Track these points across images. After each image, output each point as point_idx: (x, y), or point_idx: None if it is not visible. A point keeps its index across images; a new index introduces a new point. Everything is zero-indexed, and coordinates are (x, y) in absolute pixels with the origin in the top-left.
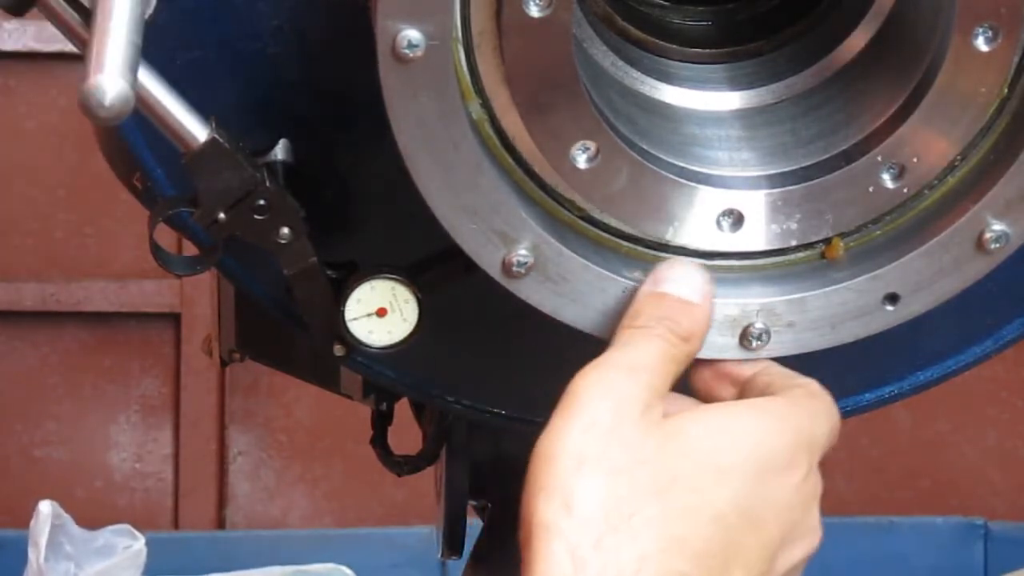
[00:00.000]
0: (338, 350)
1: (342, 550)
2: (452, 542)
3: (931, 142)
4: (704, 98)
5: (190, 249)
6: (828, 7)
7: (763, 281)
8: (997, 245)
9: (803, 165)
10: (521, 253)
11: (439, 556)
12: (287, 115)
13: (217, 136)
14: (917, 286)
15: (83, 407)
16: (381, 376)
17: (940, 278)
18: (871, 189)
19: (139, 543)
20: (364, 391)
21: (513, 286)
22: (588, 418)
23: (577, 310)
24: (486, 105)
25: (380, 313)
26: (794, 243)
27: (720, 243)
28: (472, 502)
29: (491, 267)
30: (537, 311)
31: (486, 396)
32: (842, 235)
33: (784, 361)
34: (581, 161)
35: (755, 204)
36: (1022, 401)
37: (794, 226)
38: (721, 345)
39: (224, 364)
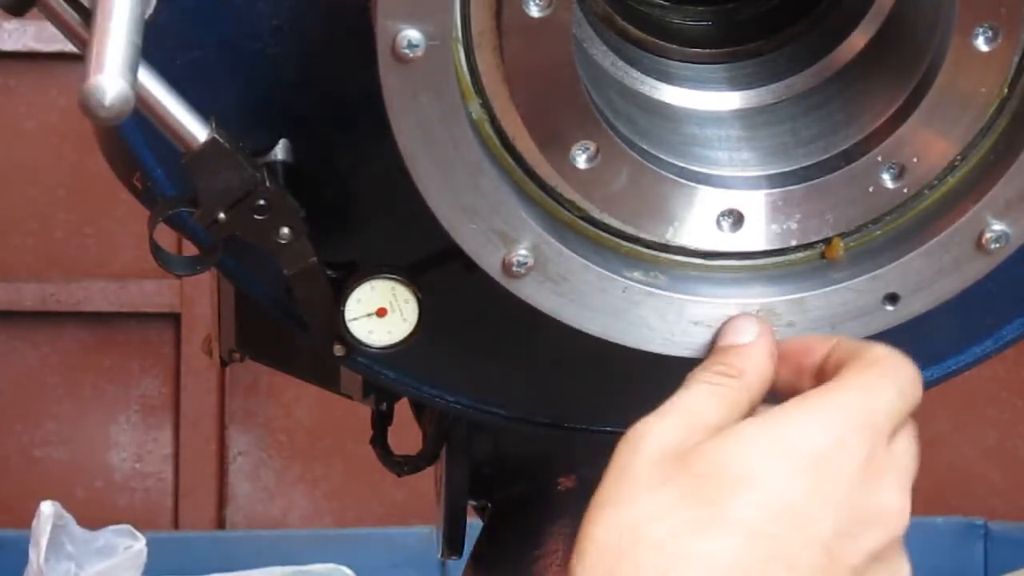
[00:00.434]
0: (338, 350)
1: (342, 550)
2: (452, 542)
3: (931, 142)
4: (704, 98)
5: (190, 249)
6: (828, 7)
7: (763, 281)
8: (997, 245)
9: (803, 165)
10: (521, 253)
11: (439, 556)
12: (287, 115)
13: (217, 136)
14: (917, 286)
15: (83, 407)
16: (381, 376)
17: (940, 278)
18: (871, 189)
19: (140, 543)
20: (364, 391)
21: (513, 286)
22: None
23: (577, 310)
24: (486, 105)
25: (380, 313)
26: (794, 243)
27: (720, 243)
28: (472, 502)
29: (491, 267)
30: (537, 311)
31: (486, 396)
32: (842, 235)
33: None
34: (581, 161)
35: (755, 204)
36: (1022, 401)
37: (794, 226)
38: None
39: (224, 364)
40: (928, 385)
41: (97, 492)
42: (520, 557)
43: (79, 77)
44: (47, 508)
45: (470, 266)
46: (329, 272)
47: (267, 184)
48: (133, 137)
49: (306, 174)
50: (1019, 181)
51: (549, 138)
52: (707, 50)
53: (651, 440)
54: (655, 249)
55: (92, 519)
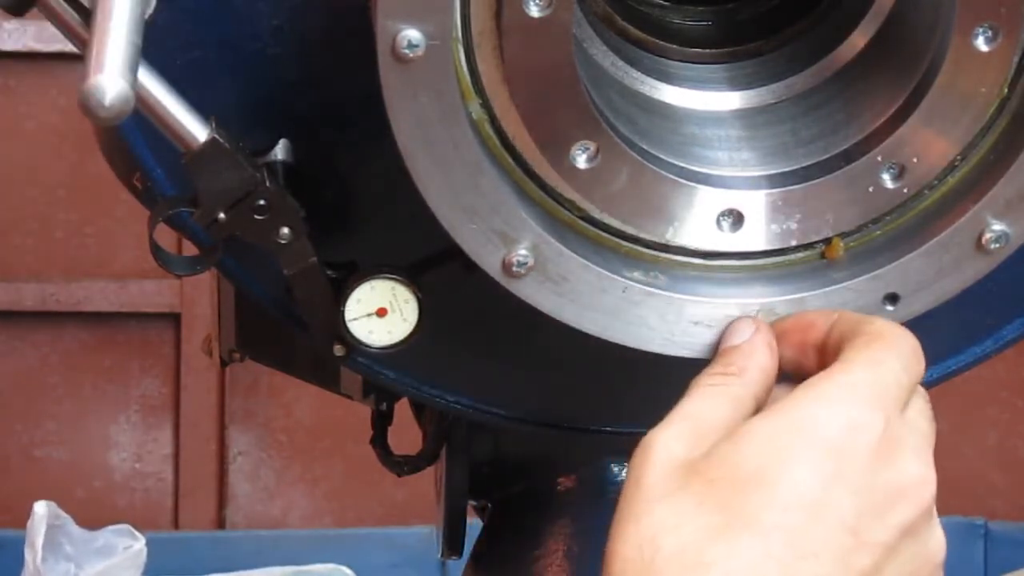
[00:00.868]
0: (338, 350)
1: (342, 550)
2: (452, 542)
3: (931, 142)
4: (704, 98)
5: (190, 249)
6: (828, 7)
7: (763, 281)
8: (997, 245)
9: (803, 165)
10: (521, 253)
11: (439, 556)
12: (287, 115)
13: (217, 136)
14: (917, 286)
15: (83, 407)
16: (381, 376)
17: (940, 278)
18: (871, 189)
19: (139, 543)
20: (364, 391)
21: (513, 286)
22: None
23: (577, 310)
24: (486, 105)
25: (380, 313)
26: (794, 243)
27: (720, 243)
28: (472, 502)
29: (491, 267)
30: (537, 311)
31: (486, 396)
32: (842, 235)
33: None
34: (581, 161)
35: (755, 204)
36: (1022, 401)
37: (794, 226)
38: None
39: (224, 364)
40: (928, 385)
41: (97, 492)
42: (520, 557)
43: (79, 77)
44: (40, 508)
45: (470, 266)
46: (329, 272)
47: (267, 184)
48: (133, 137)
49: (306, 174)
50: (1019, 181)
51: (549, 138)
52: (707, 50)
53: (660, 449)
54: (655, 249)
55: (92, 519)
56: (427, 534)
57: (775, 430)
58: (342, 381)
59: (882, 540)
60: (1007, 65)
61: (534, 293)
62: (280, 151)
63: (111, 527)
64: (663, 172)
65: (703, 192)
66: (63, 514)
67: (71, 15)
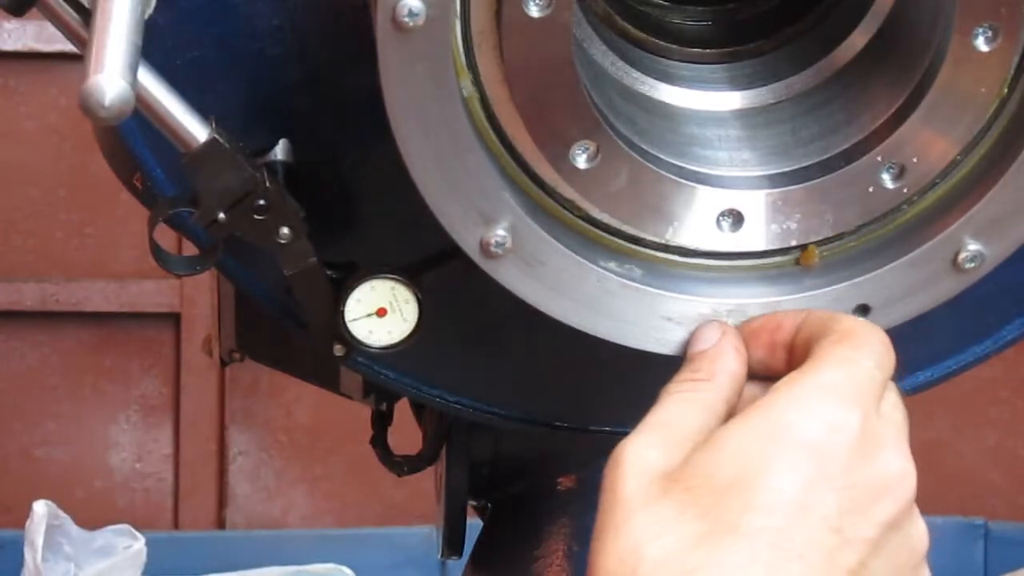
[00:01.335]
0: (338, 350)
1: (342, 550)
2: (452, 542)
3: (931, 142)
4: (704, 98)
5: (190, 249)
6: (828, 7)
7: (738, 282)
8: (972, 264)
9: (803, 165)
10: (500, 234)
11: (439, 556)
12: (287, 115)
13: (217, 136)
14: (889, 299)
15: (83, 407)
16: (381, 376)
17: (913, 292)
18: (871, 189)
19: (139, 543)
20: (364, 391)
21: (490, 267)
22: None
23: (552, 296)
24: (477, 83)
25: (380, 313)
26: (794, 243)
27: (720, 243)
28: (472, 502)
29: (470, 246)
30: (538, 311)
31: (486, 396)
32: (818, 243)
33: None
34: (581, 161)
35: (755, 204)
36: (1022, 401)
37: (794, 226)
38: None
39: (224, 364)
40: (928, 385)
41: (97, 492)
42: (520, 557)
43: (79, 77)
44: (40, 508)
45: (469, 265)
46: (329, 272)
47: (267, 184)
48: (133, 137)
49: (306, 174)
50: (999, 202)
51: (549, 138)
52: (707, 50)
53: (634, 460)
54: (631, 242)
55: (92, 519)
56: (427, 534)
57: (753, 434)
58: (342, 381)
59: (867, 536)
60: (1007, 65)
61: (511, 276)
62: (280, 151)
63: (111, 527)
64: (663, 172)
65: (703, 192)
66: (63, 514)
67: (71, 15)
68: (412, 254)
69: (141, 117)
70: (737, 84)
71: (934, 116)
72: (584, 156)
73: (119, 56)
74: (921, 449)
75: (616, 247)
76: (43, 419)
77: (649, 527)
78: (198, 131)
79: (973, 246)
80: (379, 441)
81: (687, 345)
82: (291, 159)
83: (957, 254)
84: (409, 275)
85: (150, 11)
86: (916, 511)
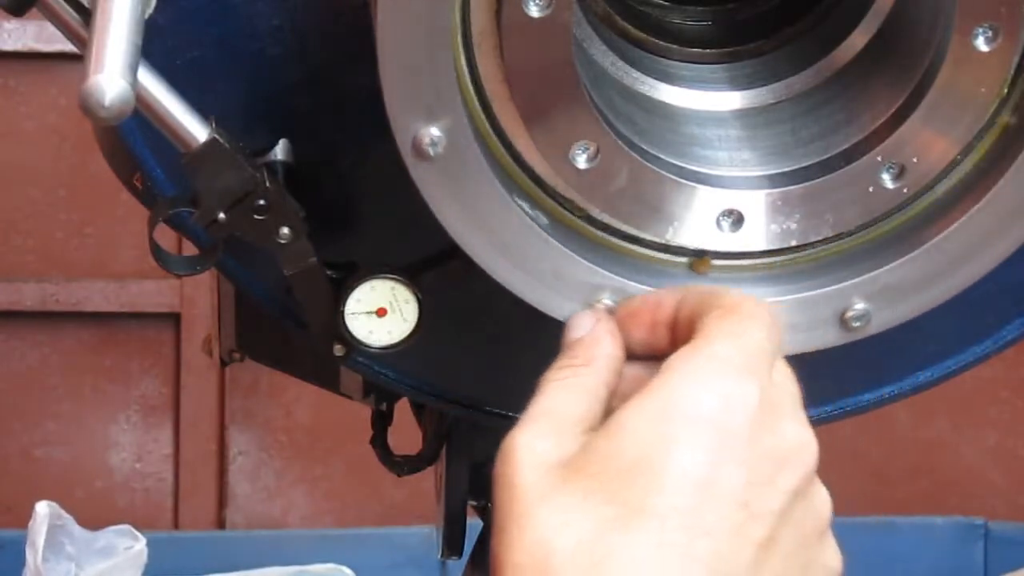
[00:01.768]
0: (338, 350)
1: (342, 550)
2: (452, 542)
3: (931, 142)
4: (704, 98)
5: (190, 249)
6: (828, 7)
7: (628, 267)
8: (859, 324)
9: (803, 165)
10: (435, 133)
11: (439, 556)
12: (287, 115)
13: (217, 136)
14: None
15: (83, 407)
16: (381, 376)
17: (794, 333)
18: (871, 189)
19: (140, 544)
20: (364, 391)
21: (417, 169)
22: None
23: (463, 219)
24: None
25: (380, 313)
26: (794, 243)
27: (720, 243)
28: (472, 502)
29: (403, 141)
30: (537, 312)
31: (486, 396)
32: (712, 255)
33: (791, 363)
34: (581, 161)
35: (755, 204)
36: (1022, 401)
37: (794, 226)
38: None
39: (224, 364)
40: (928, 385)
41: (97, 492)
42: None
43: (79, 77)
44: (42, 509)
45: (469, 265)
46: (329, 272)
47: (267, 184)
48: (133, 137)
49: (306, 174)
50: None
51: (549, 138)
52: (707, 50)
53: (525, 451)
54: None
55: (92, 519)
56: (427, 534)
57: (652, 414)
58: (342, 381)
59: (774, 508)
60: (1007, 65)
61: (431, 184)
62: (280, 151)
63: (113, 527)
64: (663, 172)
65: (703, 192)
66: (64, 514)
67: (71, 15)
68: (412, 254)
69: (141, 117)
70: (737, 84)
71: (934, 116)
72: (584, 156)
73: (119, 56)
74: (921, 449)
75: (533, 193)
76: (43, 419)
77: (554, 517)
78: (198, 131)
79: (860, 306)
80: (379, 441)
81: (563, 334)
82: (291, 159)
83: (845, 312)
84: (409, 275)
85: (150, 11)
86: (817, 479)
